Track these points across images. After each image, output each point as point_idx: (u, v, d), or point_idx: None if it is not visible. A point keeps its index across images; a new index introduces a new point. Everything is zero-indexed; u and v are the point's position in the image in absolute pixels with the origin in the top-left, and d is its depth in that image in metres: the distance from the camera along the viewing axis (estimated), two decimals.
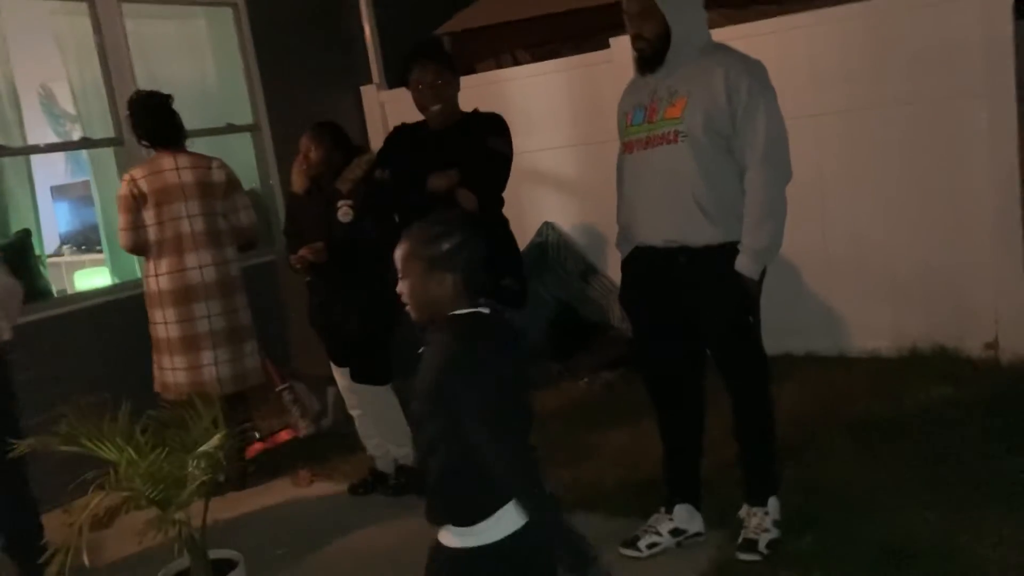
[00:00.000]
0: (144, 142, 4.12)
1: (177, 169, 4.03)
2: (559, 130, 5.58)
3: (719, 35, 3.09)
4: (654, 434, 3.48)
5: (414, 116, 3.57)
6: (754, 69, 2.85)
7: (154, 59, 5.17)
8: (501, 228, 3.38)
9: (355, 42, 6.10)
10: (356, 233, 3.69)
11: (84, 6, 4.76)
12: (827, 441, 3.76)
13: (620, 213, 3.14)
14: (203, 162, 4.13)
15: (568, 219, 5.68)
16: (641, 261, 3.06)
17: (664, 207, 2.90)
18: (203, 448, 2.58)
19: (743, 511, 3.10)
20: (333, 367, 4.07)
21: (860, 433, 3.79)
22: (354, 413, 4.10)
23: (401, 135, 3.52)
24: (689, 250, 2.89)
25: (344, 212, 3.70)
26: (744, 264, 2.84)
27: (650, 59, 2.93)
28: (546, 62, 5.68)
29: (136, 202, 3.98)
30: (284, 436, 4.85)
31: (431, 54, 3.35)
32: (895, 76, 4.49)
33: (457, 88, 3.38)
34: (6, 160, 5.02)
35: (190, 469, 2.61)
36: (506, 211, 5.71)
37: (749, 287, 2.87)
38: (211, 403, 2.82)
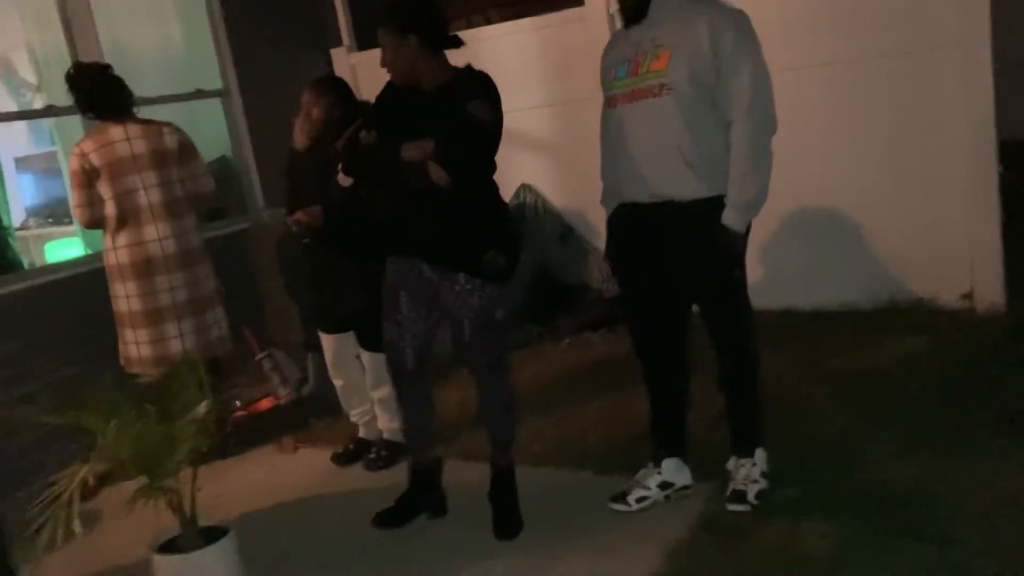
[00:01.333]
0: (89, 114, 4.01)
1: (128, 140, 3.90)
2: (533, 90, 5.53)
3: None
4: (638, 392, 3.50)
5: (386, 80, 3.40)
6: (738, 20, 2.83)
7: (119, 25, 5.05)
8: (485, 199, 3.19)
9: (324, 4, 5.99)
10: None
11: None
12: (807, 394, 3.81)
13: (604, 169, 3.12)
14: (154, 129, 4.00)
15: (545, 181, 5.66)
16: (627, 217, 3.05)
17: (650, 162, 2.89)
18: (191, 415, 2.55)
19: (731, 463, 3.14)
20: (322, 335, 4.02)
21: (840, 385, 3.84)
22: (337, 383, 4.07)
23: (392, 95, 3.30)
24: (675, 204, 2.89)
25: (344, 176, 3.57)
26: (730, 217, 2.84)
27: (633, 11, 2.90)
28: (518, 21, 5.61)
29: (88, 177, 3.87)
30: (265, 404, 4.83)
31: (387, 14, 3.12)
32: (869, 28, 4.49)
33: (414, 51, 3.03)
34: None
35: (178, 437, 2.58)
36: None
37: (735, 240, 2.87)
38: (195, 370, 2.77)
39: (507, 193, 5.65)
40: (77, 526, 2.38)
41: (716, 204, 2.86)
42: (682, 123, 2.82)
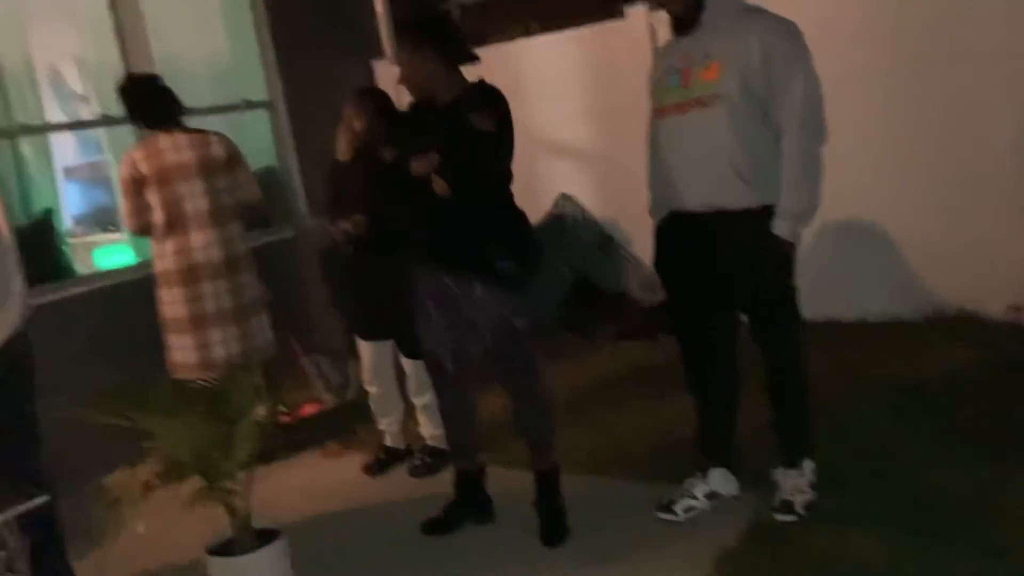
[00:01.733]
0: (140, 124, 4.09)
1: (176, 148, 3.98)
2: (574, 101, 5.57)
3: None
4: (680, 400, 3.51)
5: None
6: (790, 30, 2.84)
7: (170, 37, 5.15)
8: (496, 207, 3.21)
9: (367, 16, 6.07)
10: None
11: None
12: (851, 404, 3.79)
13: (653, 179, 3.14)
14: (202, 138, 4.08)
15: (584, 190, 5.68)
16: (676, 226, 3.07)
17: (700, 172, 2.90)
18: (250, 417, 2.60)
19: (778, 473, 3.14)
20: (360, 343, 4.07)
21: (885, 396, 3.82)
22: (371, 389, 4.13)
23: (413, 112, 3.40)
24: (726, 214, 2.90)
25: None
26: (781, 227, 2.85)
27: (684, 21, 2.92)
28: (560, 32, 5.65)
29: (137, 185, 3.95)
30: (309, 409, 4.88)
31: (402, 30, 3.22)
32: (913, 38, 4.48)
33: (434, 64, 3.10)
34: (25, 140, 5.00)
35: (235, 439, 2.63)
36: (521, 183, 5.73)
37: (786, 250, 2.88)
38: (251, 373, 2.83)
39: (546, 203, 5.71)
40: (140, 525, 2.43)
41: (767, 213, 2.87)
42: (733, 133, 2.83)
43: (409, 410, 4.13)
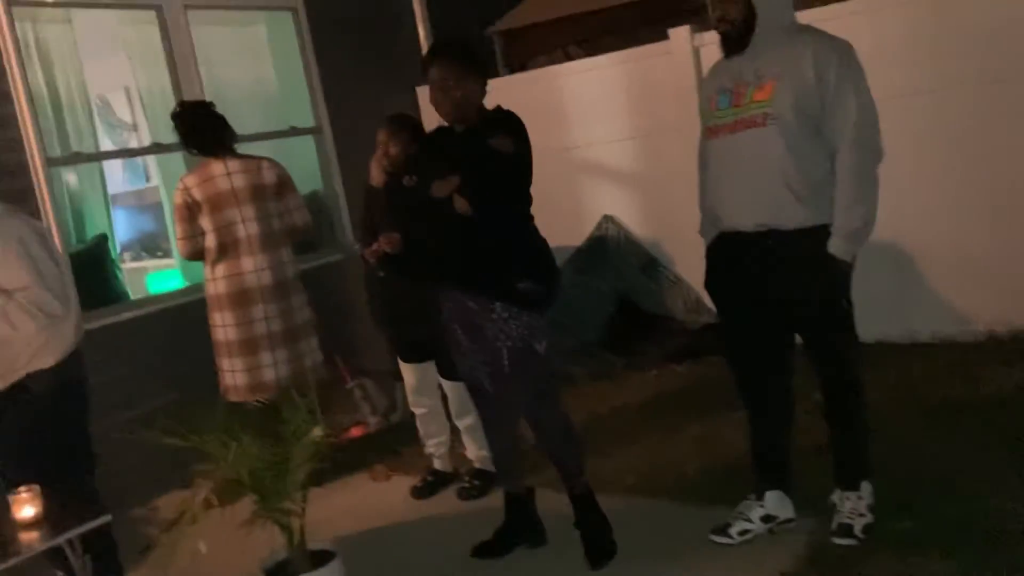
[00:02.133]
0: (193, 150, 4.17)
1: (228, 174, 4.05)
2: (617, 123, 5.59)
3: (809, 17, 3.07)
4: (730, 422, 3.48)
5: None
6: (843, 49, 2.82)
7: (218, 65, 5.26)
8: (517, 229, 3.23)
9: (410, 43, 6.15)
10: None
11: (152, 15, 4.86)
12: (906, 426, 3.73)
13: (704, 199, 3.13)
14: (253, 164, 4.15)
15: (628, 212, 5.68)
16: (728, 246, 3.05)
17: (754, 191, 2.89)
18: (308, 437, 2.62)
19: (836, 496, 3.08)
20: (402, 364, 4.09)
21: (941, 419, 3.75)
22: (418, 411, 4.13)
23: (431, 139, 3.44)
24: (780, 233, 2.88)
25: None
26: (837, 246, 2.82)
27: (735, 41, 2.91)
28: (603, 55, 5.68)
29: (191, 211, 4.03)
30: (355, 432, 4.91)
31: (445, 52, 3.20)
32: (962, 58, 4.44)
33: (475, 87, 3.15)
34: (80, 167, 5.12)
35: (293, 460, 2.65)
36: (564, 205, 5.80)
37: (842, 269, 2.85)
38: (307, 395, 2.85)
39: (589, 225, 5.72)
40: (202, 545, 2.45)
41: (821, 232, 2.84)
42: (787, 152, 2.82)
43: (455, 432, 4.13)
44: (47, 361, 3.13)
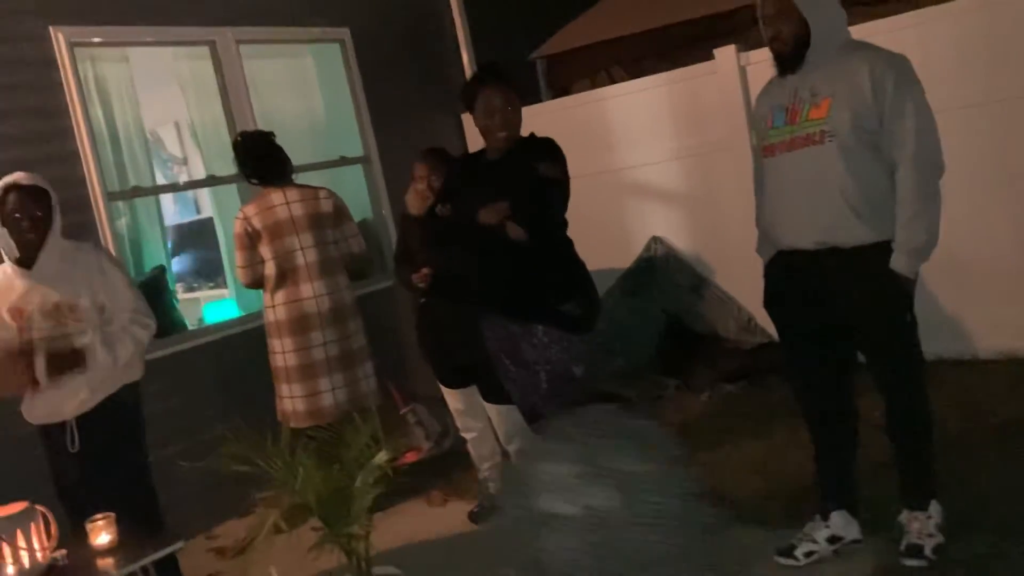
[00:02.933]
0: (253, 180, 4.25)
1: (287, 203, 4.13)
2: (663, 144, 5.59)
3: (857, 32, 3.05)
4: (790, 443, 3.43)
5: None
6: (899, 64, 2.81)
7: (269, 97, 5.36)
8: (562, 252, 3.29)
9: (454, 70, 6.22)
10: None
11: (205, 50, 4.97)
12: (973, 445, 3.65)
13: (761, 217, 3.12)
14: (311, 193, 4.23)
15: (676, 232, 5.67)
16: (787, 265, 3.03)
17: (813, 209, 2.87)
18: (373, 462, 2.64)
19: (903, 516, 3.02)
20: (445, 390, 4.11)
21: (1007, 436, 3.67)
22: (468, 436, 4.14)
23: (460, 167, 3.48)
24: (840, 251, 2.86)
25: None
26: (900, 263, 2.79)
27: (789, 59, 2.91)
28: (648, 77, 5.69)
29: (251, 239, 4.11)
30: (409, 458, 4.91)
31: (499, 77, 3.23)
32: (1015, 68, 4.39)
33: (521, 114, 3.25)
34: (137, 200, 5.25)
35: (358, 484, 2.67)
36: (612, 227, 5.80)
37: (905, 286, 2.82)
38: (371, 419, 2.88)
39: (637, 246, 5.71)
40: (273, 571, 2.47)
41: (883, 249, 2.82)
42: (845, 169, 2.80)
43: (508, 455, 4.13)
44: (136, 374, 3.27)
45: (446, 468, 4.66)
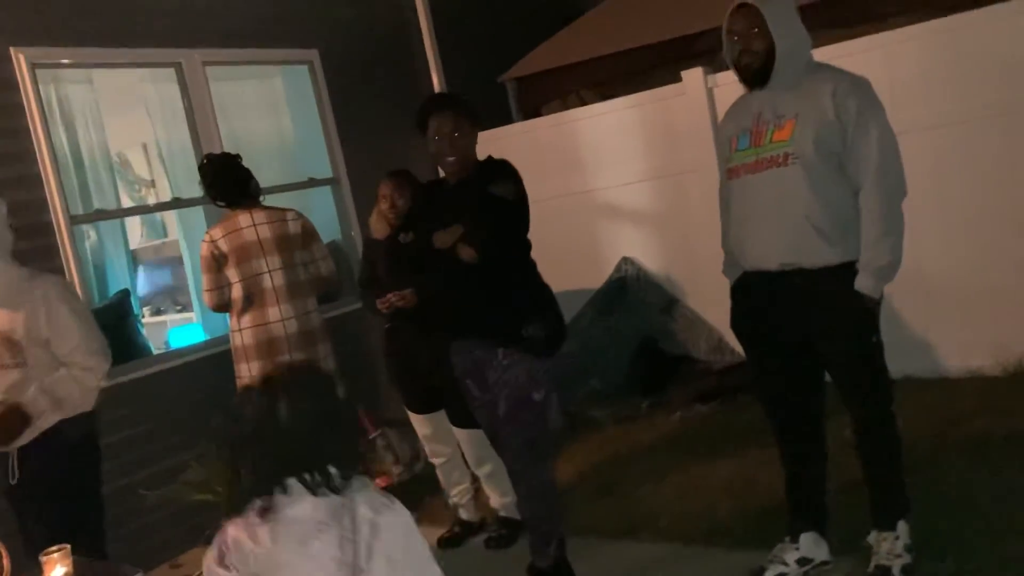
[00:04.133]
0: (220, 203, 4.19)
1: (254, 225, 4.09)
2: (633, 165, 5.60)
3: (824, 54, 3.07)
4: (761, 463, 3.42)
5: None
6: (861, 85, 2.83)
7: (237, 119, 5.32)
8: (524, 274, 3.25)
9: (424, 91, 6.20)
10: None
11: (171, 72, 4.93)
12: (947, 462, 3.66)
13: (727, 239, 3.12)
14: (278, 215, 4.19)
15: (646, 253, 5.68)
16: (753, 286, 3.03)
17: (778, 230, 2.87)
18: None
19: (872, 536, 3.01)
20: (412, 416, 4.09)
21: (979, 453, 3.68)
22: (436, 461, 4.12)
23: (423, 194, 3.49)
24: (805, 272, 2.86)
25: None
26: (865, 283, 2.80)
27: (758, 74, 2.90)
28: (617, 99, 5.72)
29: (217, 262, 4.05)
30: (379, 483, 4.85)
31: (448, 103, 3.23)
32: (980, 90, 4.45)
33: (474, 139, 3.23)
34: (101, 224, 5.16)
35: None
36: (583, 248, 5.80)
37: (870, 306, 2.82)
38: None
39: (608, 267, 5.71)
40: None
41: (848, 269, 2.82)
42: (810, 190, 2.80)
43: (478, 479, 4.09)
44: (86, 406, 3.13)
45: (417, 493, 4.60)
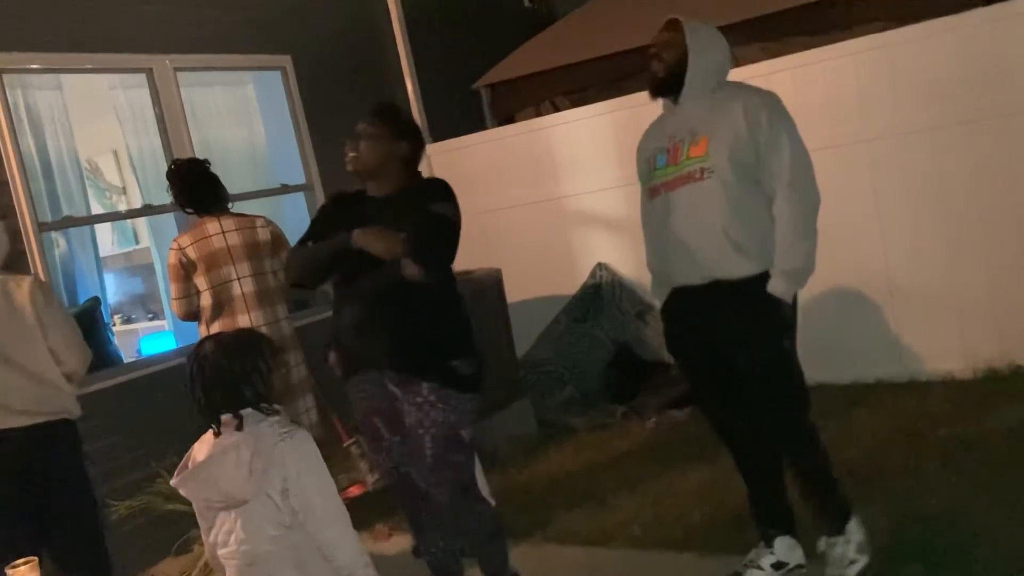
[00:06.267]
0: (188, 210, 4.15)
1: (223, 233, 4.04)
2: (607, 171, 5.61)
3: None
4: (734, 468, 3.41)
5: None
6: (770, 100, 2.90)
7: (209, 125, 5.28)
8: (449, 302, 3.05)
9: (398, 98, 6.19)
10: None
11: (142, 78, 4.88)
12: (914, 466, 3.69)
13: (651, 258, 3.14)
14: (247, 222, 4.14)
15: (621, 259, 5.69)
16: (681, 302, 3.04)
17: (698, 245, 2.89)
18: None
19: (822, 543, 2.99)
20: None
21: (949, 456, 3.72)
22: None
23: (338, 204, 3.22)
24: (726, 283, 2.88)
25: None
26: (777, 286, 2.83)
27: (662, 84, 2.98)
28: (591, 105, 5.74)
29: (186, 270, 4.00)
30: (354, 491, 4.81)
31: (376, 112, 3.06)
32: (952, 96, 4.50)
33: (400, 153, 3.01)
34: (71, 231, 5.10)
35: None
36: (557, 254, 5.81)
37: (782, 310, 2.85)
38: None
39: (583, 273, 5.72)
40: None
41: (765, 279, 2.85)
42: (726, 204, 2.84)
43: None
44: (76, 412, 3.13)
45: (391, 502, 4.56)
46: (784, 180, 2.81)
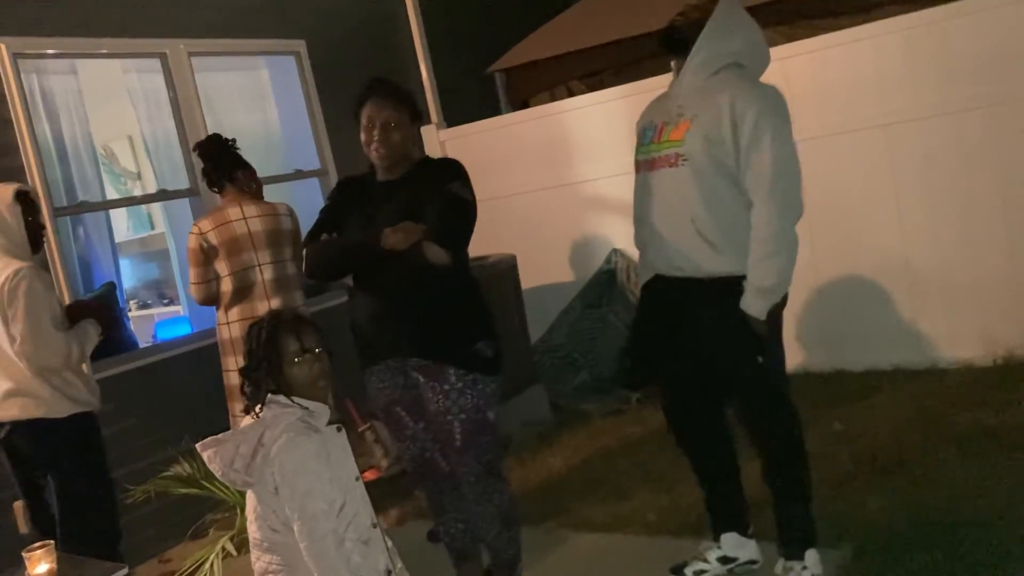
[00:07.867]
0: (215, 188, 4.13)
1: (245, 219, 4.03)
2: (622, 157, 5.50)
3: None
4: (749, 455, 3.39)
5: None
6: (765, 98, 2.68)
7: (223, 110, 5.27)
8: (468, 285, 3.02)
9: (413, 84, 6.17)
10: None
11: (156, 63, 4.88)
12: (935, 455, 3.66)
13: (637, 237, 3.01)
14: (269, 208, 4.13)
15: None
16: (655, 290, 2.92)
17: (668, 233, 2.78)
18: None
19: (779, 567, 2.92)
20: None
21: (970, 444, 3.67)
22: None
23: (347, 190, 3.15)
24: (694, 282, 2.76)
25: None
26: (749, 303, 2.68)
27: (669, 36, 2.81)
28: (606, 90, 5.69)
29: (206, 255, 4.00)
30: (368, 476, 4.81)
31: (385, 91, 2.95)
32: (971, 80, 4.44)
33: (412, 133, 2.98)
34: (86, 216, 5.12)
35: None
36: (572, 240, 5.78)
37: (756, 327, 2.70)
38: None
39: (598, 259, 5.70)
40: None
41: (736, 283, 2.71)
42: (698, 195, 2.69)
43: None
44: (95, 404, 3.24)
45: (405, 487, 4.58)
46: (763, 187, 2.62)
